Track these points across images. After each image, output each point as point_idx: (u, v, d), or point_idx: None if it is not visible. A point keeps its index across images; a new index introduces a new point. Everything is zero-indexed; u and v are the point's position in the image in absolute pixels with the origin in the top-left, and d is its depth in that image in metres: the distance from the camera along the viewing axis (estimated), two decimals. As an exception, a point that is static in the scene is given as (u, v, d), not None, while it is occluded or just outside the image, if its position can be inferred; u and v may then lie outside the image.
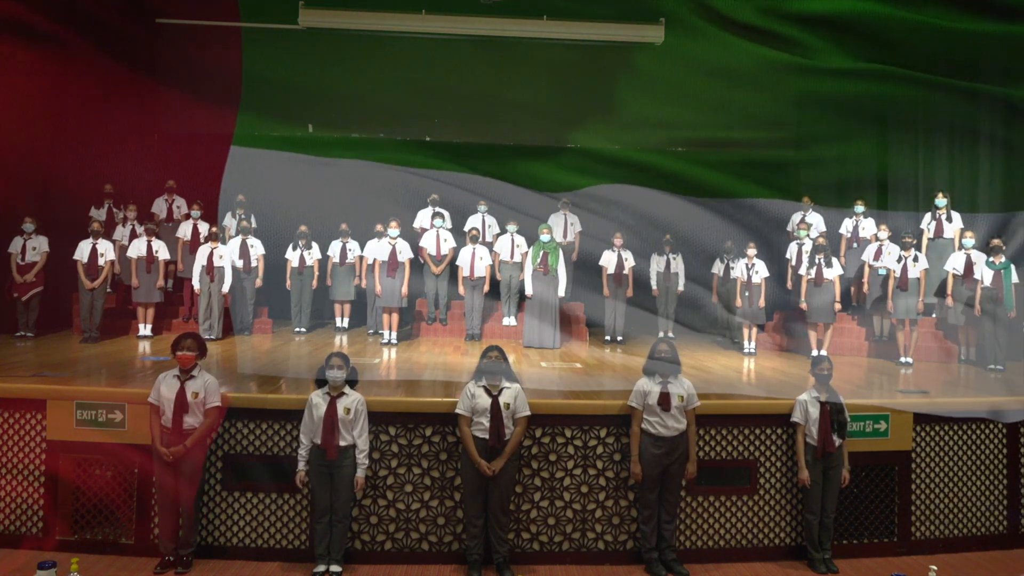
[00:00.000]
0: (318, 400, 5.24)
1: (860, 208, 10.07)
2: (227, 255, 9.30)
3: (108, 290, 9.38)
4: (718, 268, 10.30)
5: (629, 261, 10.01)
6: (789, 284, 9.87)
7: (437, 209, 10.33)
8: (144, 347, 8.66)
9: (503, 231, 10.09)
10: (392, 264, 9.26)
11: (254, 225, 10.35)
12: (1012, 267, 8.36)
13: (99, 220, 9.84)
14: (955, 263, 8.83)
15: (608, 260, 10.03)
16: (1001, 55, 10.10)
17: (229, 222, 10.41)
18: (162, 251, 9.37)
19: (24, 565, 5.14)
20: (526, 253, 9.65)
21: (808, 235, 9.89)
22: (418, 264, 9.84)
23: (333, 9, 11.09)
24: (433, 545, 5.65)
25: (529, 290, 9.33)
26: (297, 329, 9.96)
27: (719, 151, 11.98)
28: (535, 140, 12.10)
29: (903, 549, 5.96)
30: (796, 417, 5.70)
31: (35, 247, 9.16)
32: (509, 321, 10.05)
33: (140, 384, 6.12)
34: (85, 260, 8.95)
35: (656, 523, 5.52)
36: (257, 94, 9.88)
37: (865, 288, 9.49)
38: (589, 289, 10.31)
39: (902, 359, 8.65)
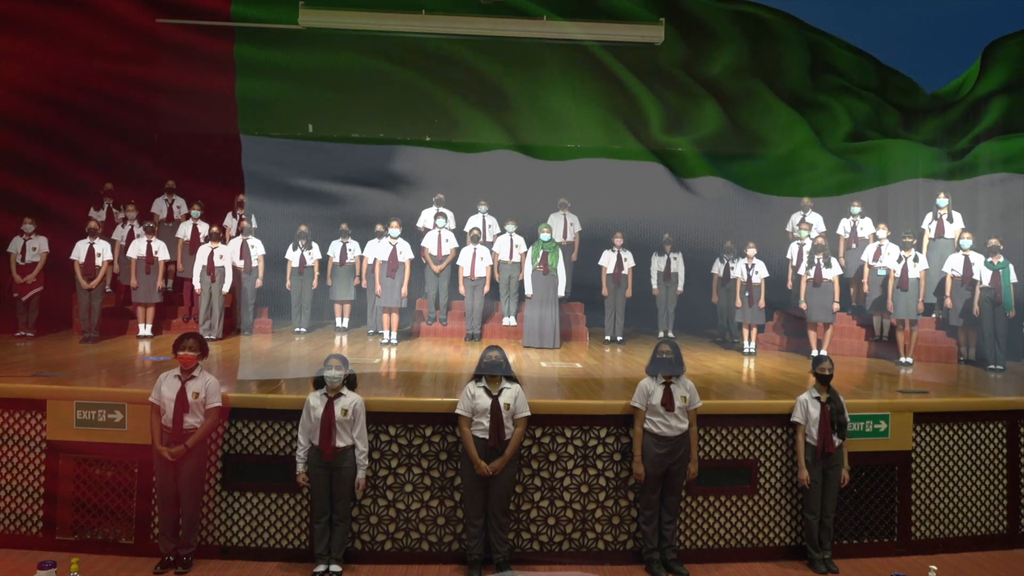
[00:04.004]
0: (316, 401, 5.24)
1: (856, 208, 10.07)
2: (227, 255, 9.30)
3: (107, 290, 9.37)
4: (718, 268, 10.30)
5: (629, 261, 10.01)
6: (789, 284, 9.87)
7: (441, 209, 10.33)
8: (144, 347, 8.65)
9: (502, 231, 10.09)
10: (392, 264, 9.26)
11: (254, 225, 10.35)
12: (1011, 267, 8.38)
13: (98, 220, 9.83)
14: (953, 264, 8.83)
15: (608, 260, 10.02)
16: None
17: (229, 222, 10.41)
18: (161, 251, 9.36)
19: (24, 565, 5.13)
20: (525, 253, 9.65)
21: (808, 235, 9.89)
22: (418, 264, 9.84)
23: (333, 9, 11.08)
24: (433, 545, 5.65)
25: (529, 290, 9.33)
26: (297, 329, 9.95)
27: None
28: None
29: (903, 549, 5.96)
30: (796, 417, 5.70)
31: (35, 247, 9.16)
32: (509, 321, 10.05)
33: (140, 384, 6.13)
34: (82, 260, 8.93)
35: (657, 523, 5.52)
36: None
37: (865, 288, 9.49)
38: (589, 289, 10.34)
39: (902, 359, 8.65)
